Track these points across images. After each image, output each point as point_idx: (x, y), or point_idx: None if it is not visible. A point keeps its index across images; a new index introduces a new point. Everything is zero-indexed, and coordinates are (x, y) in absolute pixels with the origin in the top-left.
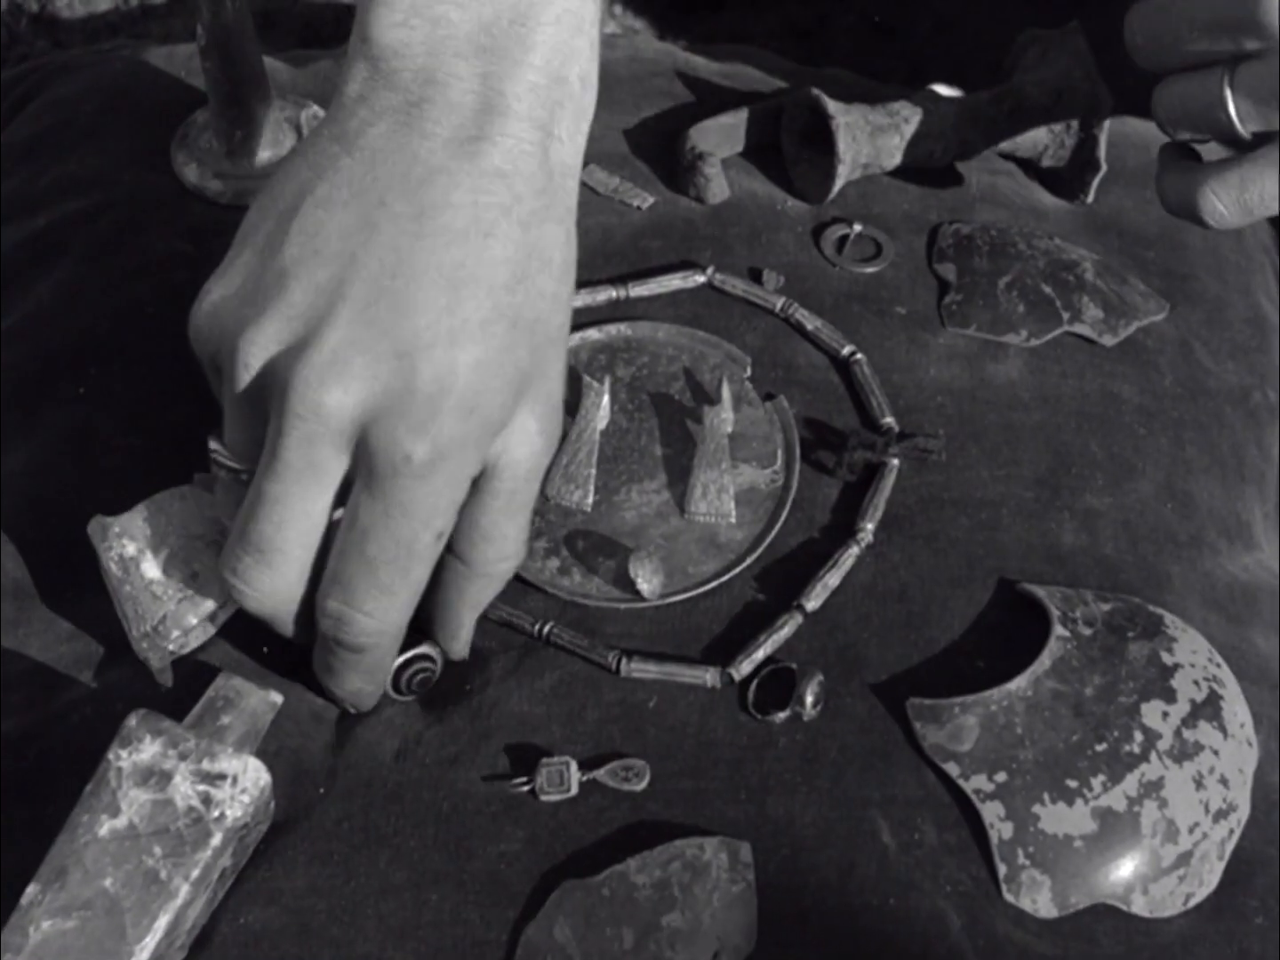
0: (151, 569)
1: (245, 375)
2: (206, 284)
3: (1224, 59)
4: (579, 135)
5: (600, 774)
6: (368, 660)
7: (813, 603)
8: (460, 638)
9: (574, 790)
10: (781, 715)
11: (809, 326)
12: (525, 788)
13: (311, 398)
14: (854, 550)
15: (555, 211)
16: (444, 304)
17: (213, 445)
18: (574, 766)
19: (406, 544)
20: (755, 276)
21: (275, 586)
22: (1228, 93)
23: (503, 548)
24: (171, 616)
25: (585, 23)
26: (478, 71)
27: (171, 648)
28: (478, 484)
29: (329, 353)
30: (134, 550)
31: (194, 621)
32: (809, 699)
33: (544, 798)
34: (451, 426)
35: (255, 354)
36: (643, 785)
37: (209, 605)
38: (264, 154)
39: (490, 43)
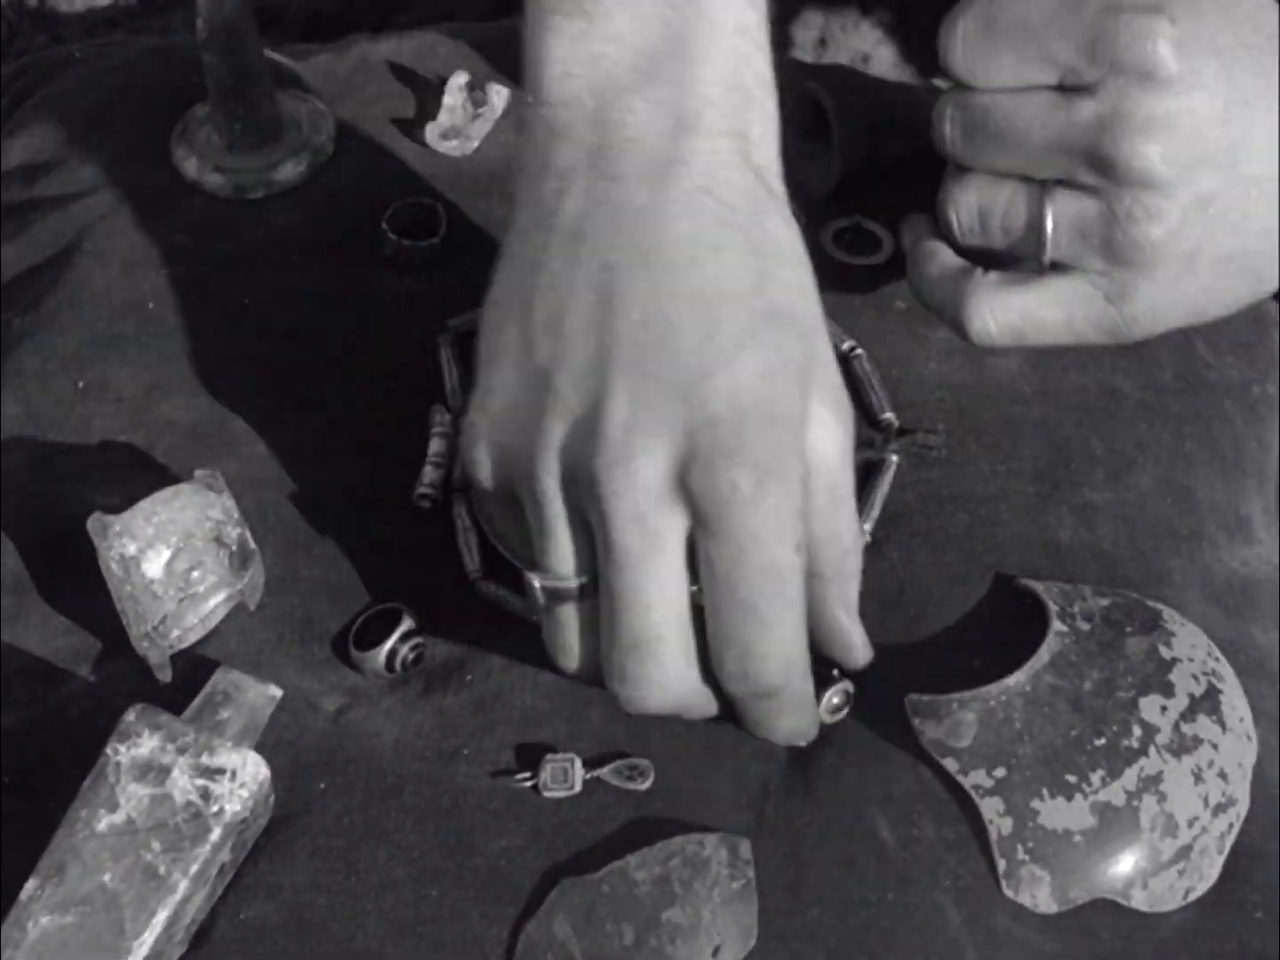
0: (152, 568)
1: (549, 481)
2: (469, 417)
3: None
4: (770, 136)
5: (605, 772)
6: (788, 697)
7: None
8: (853, 643)
9: (578, 788)
10: None
11: None
12: (529, 783)
13: (621, 473)
14: None
15: (771, 205)
16: (703, 330)
17: (535, 581)
18: (578, 764)
19: (773, 570)
20: None
21: (664, 674)
22: (1049, 219)
23: (842, 542)
24: (172, 616)
25: (749, 26)
26: (651, 100)
27: (171, 646)
28: None
29: (619, 423)
30: (135, 549)
31: (194, 620)
32: (821, 706)
33: (547, 794)
34: (763, 439)
35: (549, 459)
36: (647, 784)
37: (209, 604)
38: (263, 148)
39: (654, 69)
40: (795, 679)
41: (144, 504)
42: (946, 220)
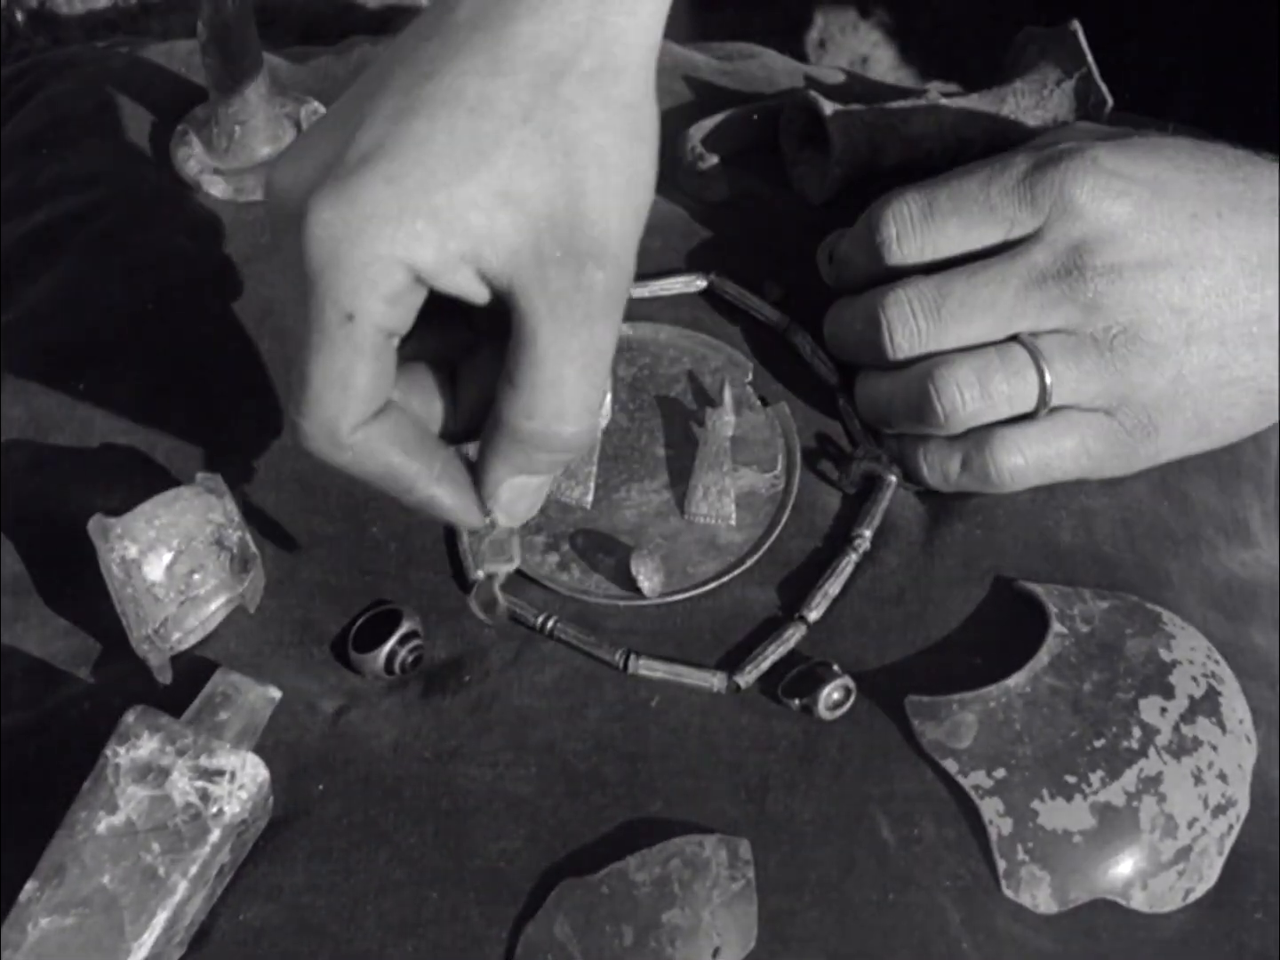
0: (154, 571)
1: None
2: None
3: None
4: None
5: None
6: (342, 460)
7: (815, 613)
8: (498, 498)
9: (516, 560)
10: (796, 703)
11: (805, 350)
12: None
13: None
14: (852, 558)
15: (639, 90)
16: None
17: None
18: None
19: (314, 322)
20: (755, 285)
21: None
22: (1047, 373)
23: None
24: (172, 619)
25: None
26: None
27: (171, 648)
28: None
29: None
30: (136, 552)
31: (195, 623)
32: (820, 701)
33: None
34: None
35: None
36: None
37: (210, 607)
38: (264, 150)
39: None
40: (330, 452)
41: (145, 506)
42: (933, 411)
